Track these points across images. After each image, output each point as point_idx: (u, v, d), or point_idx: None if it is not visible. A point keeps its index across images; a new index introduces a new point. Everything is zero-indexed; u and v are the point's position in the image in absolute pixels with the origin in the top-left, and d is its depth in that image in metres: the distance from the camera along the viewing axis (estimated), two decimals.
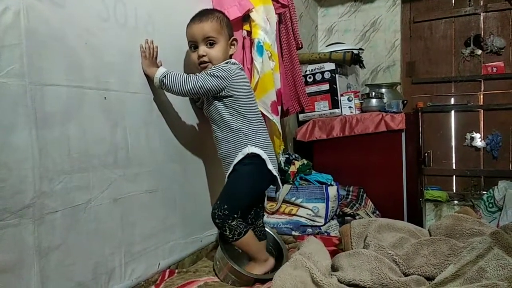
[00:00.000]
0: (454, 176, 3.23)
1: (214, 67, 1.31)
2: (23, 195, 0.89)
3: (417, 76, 3.36)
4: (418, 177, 2.35)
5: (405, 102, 2.52)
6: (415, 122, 2.36)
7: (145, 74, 1.29)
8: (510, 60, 3.12)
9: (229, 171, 1.33)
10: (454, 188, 3.22)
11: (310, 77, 2.57)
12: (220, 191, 1.35)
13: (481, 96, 3.19)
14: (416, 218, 2.28)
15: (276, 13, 1.90)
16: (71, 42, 1.03)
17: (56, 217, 0.97)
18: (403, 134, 2.29)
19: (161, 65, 1.31)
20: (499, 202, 2.47)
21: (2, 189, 0.84)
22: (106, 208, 1.12)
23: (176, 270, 1.38)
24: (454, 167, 3.24)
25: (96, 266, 1.08)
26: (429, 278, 1.19)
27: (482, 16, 3.18)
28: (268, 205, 2.03)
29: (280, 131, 1.89)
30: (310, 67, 2.58)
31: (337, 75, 2.51)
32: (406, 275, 1.20)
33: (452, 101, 3.27)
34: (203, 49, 1.32)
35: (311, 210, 1.94)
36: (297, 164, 2.21)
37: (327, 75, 2.53)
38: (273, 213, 2.02)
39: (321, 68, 2.54)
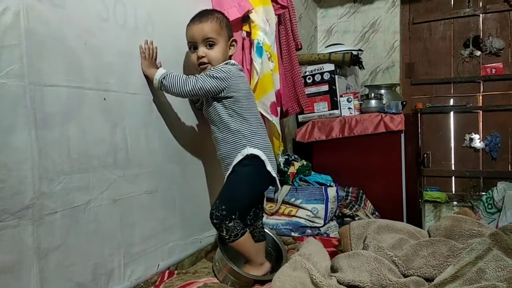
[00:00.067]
0: (453, 177, 3.23)
1: (213, 68, 1.31)
2: (23, 196, 0.89)
3: (416, 77, 3.37)
4: (417, 178, 2.35)
5: (404, 103, 2.53)
6: (414, 123, 2.36)
7: (144, 75, 1.29)
8: (509, 61, 3.13)
9: (228, 172, 1.33)
10: (453, 189, 3.22)
11: (309, 78, 2.58)
12: (219, 192, 1.35)
13: (480, 97, 3.20)
14: (415, 219, 2.28)
15: (275, 14, 1.90)
16: (71, 42, 1.03)
17: (56, 218, 0.97)
18: (402, 135, 2.29)
19: (160, 66, 1.32)
20: (498, 203, 2.47)
21: (1, 189, 0.84)
22: (105, 209, 1.12)
23: (176, 271, 1.38)
24: (453, 168, 3.24)
25: (96, 267, 1.08)
26: (429, 279, 1.19)
27: (481, 18, 3.19)
28: (267, 206, 2.03)
29: (280, 132, 1.89)
30: (309, 68, 2.58)
31: (336, 76, 2.51)
32: (405, 276, 1.20)
33: (451, 102, 3.28)
34: (202, 50, 1.32)
35: (311, 211, 1.94)
36: (297, 165, 2.22)
37: (326, 76, 2.53)
38: (272, 214, 2.02)
39: (321, 69, 2.55)
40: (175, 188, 1.44)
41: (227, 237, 1.28)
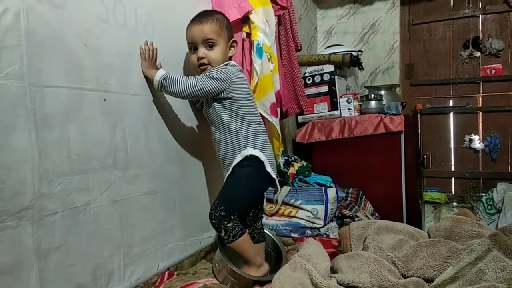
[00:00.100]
0: (453, 178, 3.23)
1: (213, 69, 1.31)
2: (22, 197, 0.89)
3: (416, 78, 3.37)
4: (417, 179, 2.35)
5: (404, 104, 2.53)
6: (414, 124, 2.37)
7: (144, 76, 1.29)
8: (508, 62, 3.13)
9: (228, 173, 1.33)
10: (453, 190, 3.22)
11: (309, 79, 2.58)
12: (218, 193, 1.35)
13: (480, 98, 3.20)
14: (415, 220, 2.29)
15: (275, 15, 1.90)
16: (71, 43, 1.03)
17: (56, 218, 0.97)
18: (402, 136, 2.29)
19: (160, 67, 1.32)
20: (498, 204, 2.47)
21: (1, 190, 0.84)
22: (105, 210, 1.12)
23: (175, 272, 1.38)
24: (453, 169, 3.24)
25: (95, 268, 1.08)
26: (428, 280, 1.19)
27: (480, 19, 3.19)
28: (267, 207, 2.03)
29: (279, 133, 1.89)
30: (309, 69, 2.59)
31: (336, 77, 2.51)
32: (405, 277, 1.20)
33: (451, 103, 3.28)
34: (202, 51, 1.33)
35: (310, 212, 1.95)
36: (296, 166, 2.22)
37: (326, 77, 2.53)
38: (272, 215, 2.02)
39: (320, 70, 2.55)
40: (175, 189, 1.44)
41: (225, 238, 1.28)
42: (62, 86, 1.00)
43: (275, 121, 1.82)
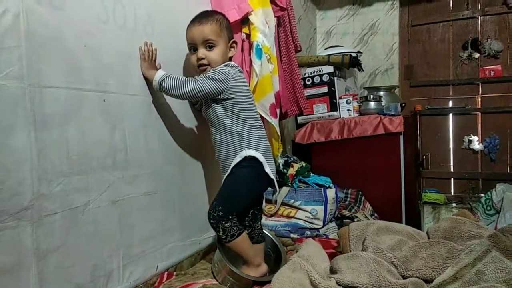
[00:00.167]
0: (452, 179, 3.23)
1: (212, 70, 1.31)
2: (22, 197, 0.89)
3: (415, 79, 3.37)
4: (416, 179, 2.36)
5: (403, 105, 2.54)
6: (413, 125, 2.37)
7: (144, 77, 1.29)
8: (507, 63, 3.14)
9: (227, 173, 1.33)
10: (452, 190, 3.22)
11: (308, 80, 2.58)
12: (217, 193, 1.35)
13: (479, 99, 3.20)
14: (414, 220, 2.29)
15: (275, 16, 1.91)
16: (70, 44, 1.03)
17: (55, 219, 0.97)
18: (401, 136, 2.29)
19: (160, 68, 1.32)
20: (497, 205, 2.48)
21: (0, 191, 0.84)
22: (104, 210, 1.12)
23: (175, 273, 1.38)
24: (452, 170, 3.24)
25: (95, 268, 1.08)
26: (428, 281, 1.19)
27: (479, 20, 3.20)
28: (266, 207, 2.03)
29: (279, 133, 1.90)
30: (308, 70, 2.59)
31: (335, 78, 2.52)
32: (404, 277, 1.21)
33: (450, 104, 3.28)
34: (202, 51, 1.33)
35: (310, 213, 1.95)
36: (296, 166, 2.22)
37: (325, 78, 2.54)
38: (271, 215, 2.02)
39: (320, 71, 2.55)
40: (174, 190, 1.44)
41: (224, 237, 1.28)
42: (62, 87, 1.00)
43: (274, 122, 1.82)
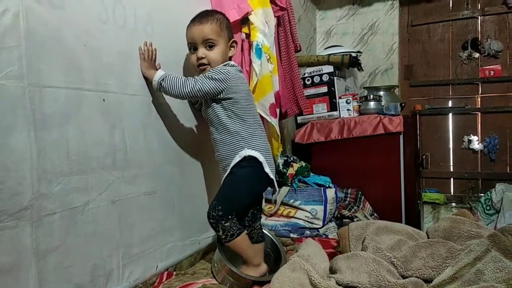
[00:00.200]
0: (451, 179, 3.24)
1: (212, 69, 1.31)
2: (21, 197, 0.89)
3: (415, 79, 3.37)
4: (416, 179, 2.36)
5: (403, 104, 2.54)
6: (413, 125, 2.37)
7: (143, 77, 1.29)
8: (507, 63, 3.14)
9: (226, 173, 1.33)
10: (452, 190, 3.23)
11: (308, 80, 2.58)
12: (217, 193, 1.35)
13: (479, 99, 3.20)
14: (414, 220, 2.29)
15: (274, 16, 1.91)
16: (70, 43, 1.03)
17: (54, 219, 0.96)
18: (401, 136, 2.29)
19: (159, 68, 1.32)
20: (497, 205, 2.48)
21: (0, 191, 0.84)
22: (104, 210, 1.12)
23: (174, 272, 1.38)
24: (451, 170, 3.24)
25: (94, 268, 1.08)
26: (427, 281, 1.19)
27: (479, 20, 3.20)
28: (266, 207, 2.03)
29: (279, 133, 1.90)
30: (308, 70, 2.59)
31: (335, 78, 2.52)
32: (404, 277, 1.21)
33: (450, 104, 3.28)
34: (202, 51, 1.33)
35: (309, 213, 1.95)
36: (296, 166, 2.22)
37: (325, 78, 2.54)
38: (271, 215, 2.02)
39: (320, 71, 2.55)
40: (174, 189, 1.44)
41: (223, 237, 1.28)
42: (61, 87, 1.00)
43: (274, 121, 1.82)
